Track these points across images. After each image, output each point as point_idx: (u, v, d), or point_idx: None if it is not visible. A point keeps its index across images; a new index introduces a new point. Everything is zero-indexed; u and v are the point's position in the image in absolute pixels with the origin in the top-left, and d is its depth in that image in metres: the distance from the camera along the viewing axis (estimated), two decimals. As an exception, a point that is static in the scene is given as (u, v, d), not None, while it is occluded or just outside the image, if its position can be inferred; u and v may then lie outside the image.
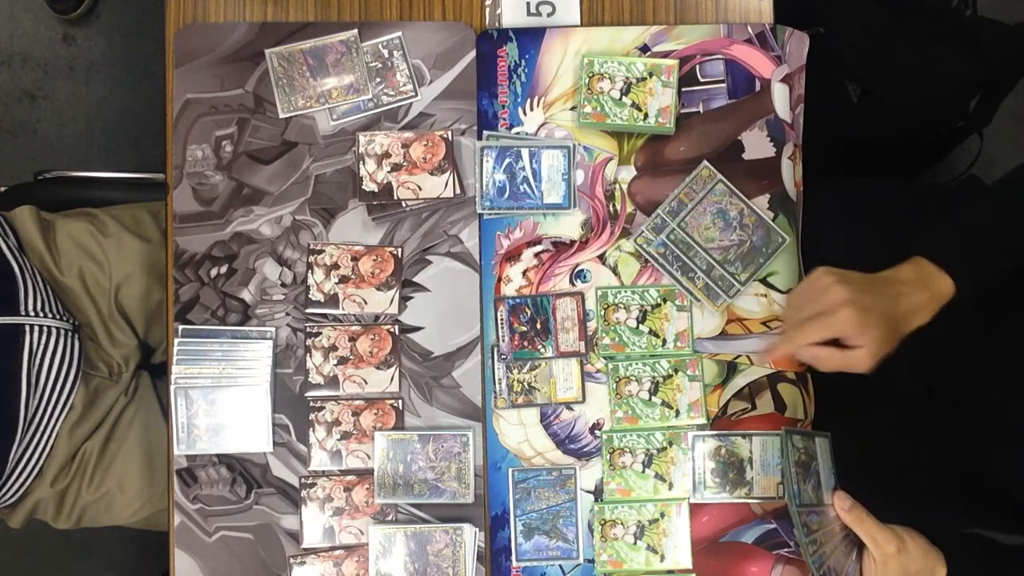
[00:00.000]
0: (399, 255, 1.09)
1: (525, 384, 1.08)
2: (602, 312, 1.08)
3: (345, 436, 1.07)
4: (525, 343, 1.08)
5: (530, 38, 1.11)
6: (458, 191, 1.09)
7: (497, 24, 1.12)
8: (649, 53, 1.10)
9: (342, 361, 1.07)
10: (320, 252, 1.08)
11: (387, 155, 1.09)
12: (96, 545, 1.85)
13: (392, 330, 1.08)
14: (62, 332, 1.14)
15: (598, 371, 1.08)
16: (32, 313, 1.11)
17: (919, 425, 1.08)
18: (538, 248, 1.10)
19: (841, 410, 1.08)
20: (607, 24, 1.13)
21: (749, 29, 1.11)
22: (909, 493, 1.11)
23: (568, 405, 1.08)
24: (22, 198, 1.27)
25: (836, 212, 1.16)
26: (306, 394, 1.08)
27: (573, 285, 1.09)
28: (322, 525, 1.06)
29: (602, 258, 1.09)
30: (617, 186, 1.10)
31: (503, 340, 1.08)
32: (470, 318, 1.09)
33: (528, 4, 1.12)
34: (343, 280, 1.08)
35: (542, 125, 1.11)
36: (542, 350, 1.08)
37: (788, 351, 0.98)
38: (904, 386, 1.09)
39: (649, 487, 1.07)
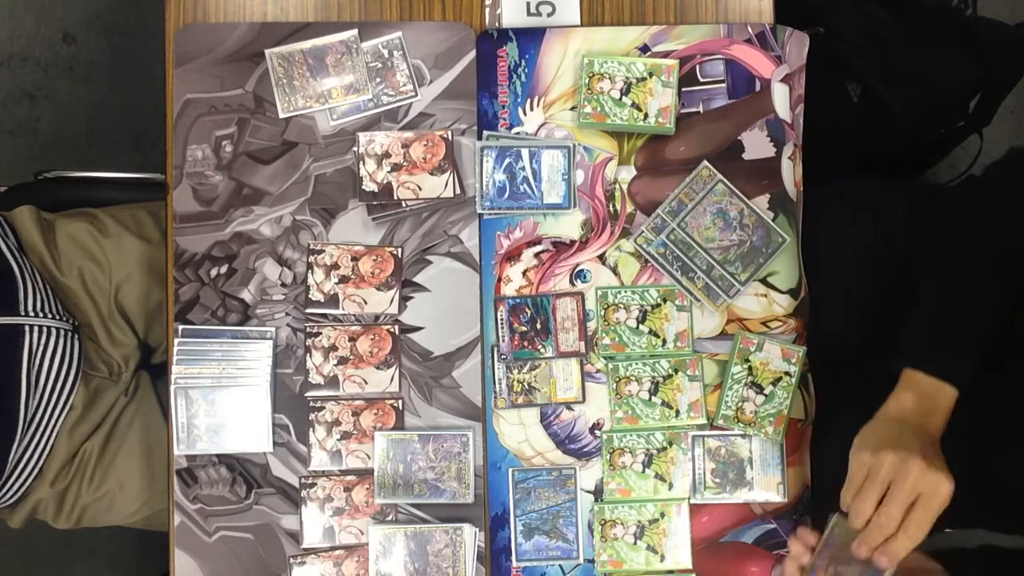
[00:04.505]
0: (399, 255, 1.09)
1: (525, 384, 1.08)
2: (602, 312, 1.08)
3: (345, 436, 1.07)
4: (525, 343, 1.08)
5: (530, 38, 1.11)
6: (458, 191, 1.09)
7: (497, 24, 1.12)
8: (649, 53, 1.10)
9: (342, 361, 1.07)
10: (320, 252, 1.08)
11: (387, 155, 1.09)
12: (96, 545, 1.84)
13: (392, 330, 1.08)
14: (62, 332, 1.14)
15: (598, 371, 1.08)
16: (32, 313, 1.11)
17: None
18: (538, 248, 1.10)
19: (842, 410, 1.08)
20: (607, 24, 1.13)
21: (749, 29, 1.11)
22: None
23: (568, 405, 1.08)
24: (22, 198, 1.27)
25: (836, 212, 1.16)
26: (306, 394, 1.08)
27: (573, 285, 1.09)
28: (322, 525, 1.06)
29: (602, 258, 1.09)
30: (617, 186, 1.10)
31: (503, 340, 1.08)
32: (470, 318, 1.09)
33: (528, 4, 1.12)
34: (343, 280, 1.08)
35: (542, 125, 1.11)
36: (542, 350, 1.08)
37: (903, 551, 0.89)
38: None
39: (649, 487, 1.07)
